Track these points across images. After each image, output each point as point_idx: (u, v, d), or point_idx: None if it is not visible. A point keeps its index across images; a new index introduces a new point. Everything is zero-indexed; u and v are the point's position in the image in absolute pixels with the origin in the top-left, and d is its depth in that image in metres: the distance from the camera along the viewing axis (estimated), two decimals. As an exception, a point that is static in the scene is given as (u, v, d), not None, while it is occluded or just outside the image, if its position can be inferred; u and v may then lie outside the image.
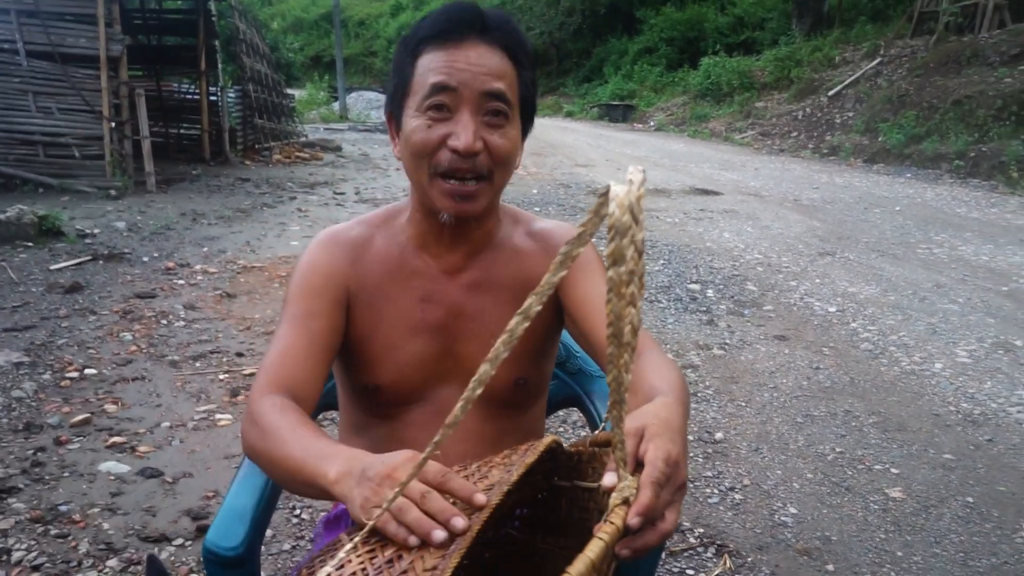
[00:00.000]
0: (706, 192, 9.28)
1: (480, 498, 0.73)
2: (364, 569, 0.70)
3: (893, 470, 2.78)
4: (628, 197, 0.54)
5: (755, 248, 6.28)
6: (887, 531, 2.40)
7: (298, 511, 2.43)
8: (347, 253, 1.13)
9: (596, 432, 0.89)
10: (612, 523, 0.65)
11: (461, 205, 1.03)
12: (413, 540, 0.69)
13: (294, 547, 2.25)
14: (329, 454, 0.83)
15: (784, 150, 14.86)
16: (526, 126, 1.10)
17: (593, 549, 0.61)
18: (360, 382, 1.15)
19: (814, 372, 3.68)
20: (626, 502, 0.67)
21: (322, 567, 0.72)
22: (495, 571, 0.97)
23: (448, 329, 1.13)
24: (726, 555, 2.25)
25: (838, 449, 2.92)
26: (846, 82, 15.36)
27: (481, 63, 1.00)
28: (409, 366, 1.12)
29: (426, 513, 0.70)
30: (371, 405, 1.16)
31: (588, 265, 1.14)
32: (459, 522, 0.70)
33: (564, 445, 0.87)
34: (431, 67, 1.00)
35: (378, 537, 0.74)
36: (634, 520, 0.65)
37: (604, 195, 0.57)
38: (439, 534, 0.69)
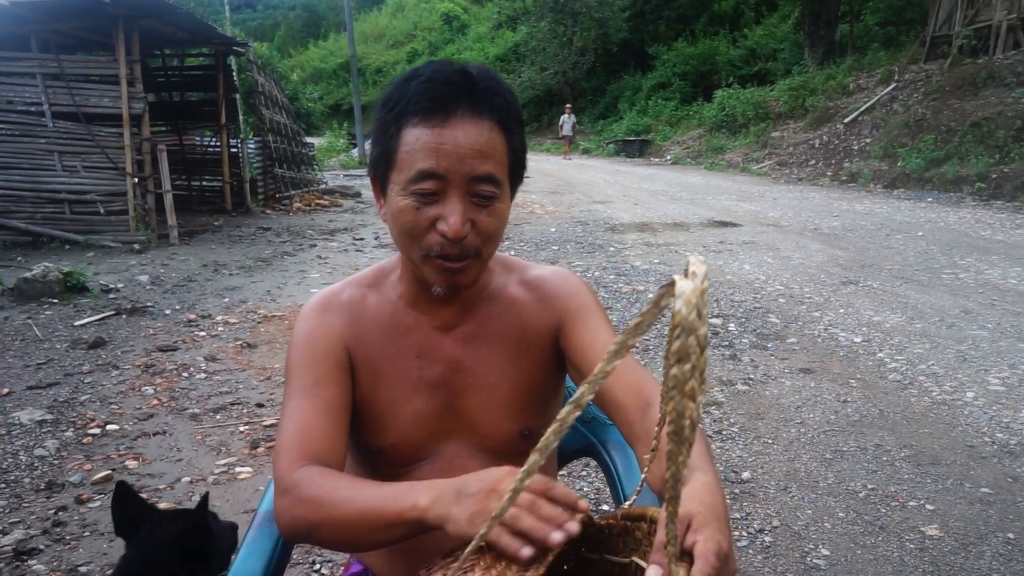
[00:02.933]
0: (725, 224, 9.24)
1: (584, 503, 0.77)
2: None
3: (928, 506, 2.69)
4: (694, 294, 0.53)
5: (776, 279, 6.21)
6: (925, 572, 2.31)
7: (318, 566, 2.39)
8: (342, 316, 1.12)
9: (627, 505, 0.87)
10: None
11: (452, 279, 1.03)
12: (526, 551, 0.71)
13: None
14: (408, 488, 0.85)
15: (802, 179, 14.81)
16: (515, 185, 1.08)
17: None
18: (364, 444, 1.13)
19: (842, 405, 3.60)
20: None
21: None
22: None
23: (447, 384, 1.12)
24: (757, 601, 2.18)
25: (870, 486, 2.84)
26: (862, 108, 15.33)
27: (469, 144, 0.96)
28: (411, 424, 1.11)
29: (540, 519, 0.73)
30: (377, 466, 1.14)
31: (585, 310, 1.13)
32: (573, 526, 0.73)
33: (594, 518, 0.86)
34: (417, 147, 0.97)
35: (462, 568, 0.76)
36: None
37: (667, 287, 0.55)
38: (558, 535, 0.72)
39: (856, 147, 14.68)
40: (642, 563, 0.80)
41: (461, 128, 0.97)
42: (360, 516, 0.87)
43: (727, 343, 4.58)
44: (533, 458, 0.60)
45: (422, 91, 0.97)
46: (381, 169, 1.04)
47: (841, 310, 5.25)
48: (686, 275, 0.54)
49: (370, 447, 1.12)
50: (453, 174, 0.97)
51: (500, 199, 1.02)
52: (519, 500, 0.73)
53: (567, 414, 0.58)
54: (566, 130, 24.41)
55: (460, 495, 0.79)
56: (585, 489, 2.87)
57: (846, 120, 15.46)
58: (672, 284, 0.54)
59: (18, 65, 8.25)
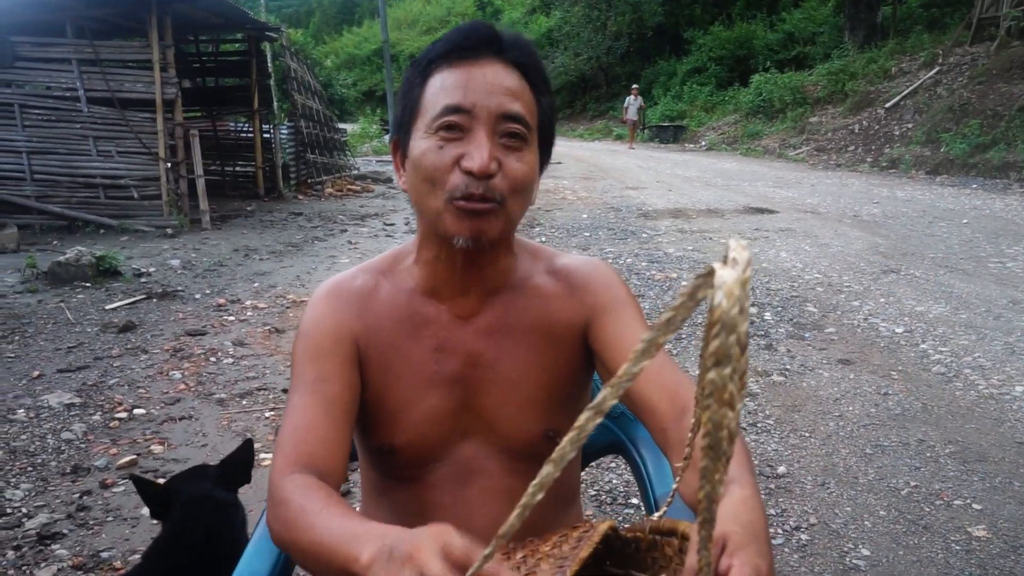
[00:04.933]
0: (761, 211, 9.06)
1: None
2: None
3: (975, 505, 2.57)
4: (736, 285, 0.44)
5: (814, 267, 6.05)
6: (971, 575, 2.20)
7: None
8: (352, 305, 1.04)
9: (656, 516, 0.79)
10: None
11: (476, 223, 0.92)
12: None
13: None
14: (360, 534, 0.74)
15: (841, 165, 14.49)
16: (544, 156, 1.01)
17: None
18: (375, 443, 1.06)
19: (882, 398, 3.48)
20: None
21: None
22: None
23: (466, 380, 1.03)
24: (794, 603, 2.09)
25: (913, 483, 2.73)
26: (904, 93, 14.95)
27: (497, 82, 0.92)
28: (426, 424, 1.02)
29: None
30: (389, 467, 1.07)
31: (617, 304, 1.04)
32: None
33: (620, 530, 0.78)
34: (443, 86, 0.92)
35: None
36: None
37: (704, 277, 0.46)
38: None
39: (897, 132, 14.31)
40: None
41: (490, 68, 0.93)
42: (315, 550, 0.79)
43: (763, 332, 4.46)
44: (546, 469, 0.51)
45: (448, 39, 0.95)
46: (405, 124, 0.98)
47: (882, 299, 5.09)
48: (725, 262, 0.45)
49: (382, 447, 1.05)
50: (480, 108, 0.91)
51: (529, 147, 0.95)
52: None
53: (586, 420, 0.49)
54: (631, 113, 21.40)
55: (389, 560, 0.67)
56: (614, 482, 2.79)
57: (887, 105, 15.08)
58: (711, 273, 0.45)
59: (54, 51, 8.33)
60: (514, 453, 1.04)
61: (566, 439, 0.50)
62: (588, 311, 1.05)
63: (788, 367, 3.89)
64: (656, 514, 0.79)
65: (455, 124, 0.91)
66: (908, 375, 3.75)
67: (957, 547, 2.34)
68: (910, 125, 14.13)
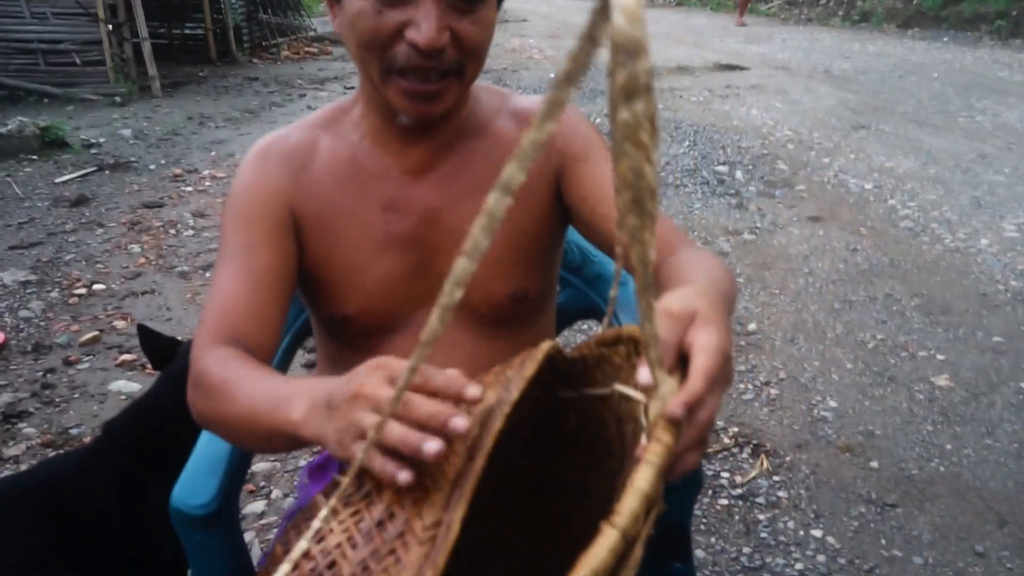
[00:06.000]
0: (731, 68, 8.82)
1: (472, 390, 0.57)
2: (350, 538, 0.55)
3: (939, 356, 2.62)
4: (636, 6, 0.37)
5: (785, 124, 5.95)
6: (934, 423, 2.26)
7: (294, 455, 2.32)
8: (286, 166, 0.93)
9: (601, 330, 0.73)
10: (660, 440, 0.48)
11: (423, 106, 0.83)
12: (404, 476, 0.54)
13: (286, 496, 2.08)
14: (287, 394, 0.67)
15: (812, 19, 14.10)
16: None
17: (644, 478, 0.46)
18: (326, 313, 0.98)
19: (851, 254, 3.49)
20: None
21: (298, 539, 0.58)
22: (502, 507, 0.83)
23: (421, 241, 0.94)
24: (763, 455, 2.14)
25: (879, 336, 2.77)
26: (880, -60, 14.36)
27: None
28: (378, 290, 0.94)
29: (413, 424, 0.54)
30: (344, 337, 0.99)
31: (590, 150, 0.95)
32: (459, 422, 0.54)
33: (564, 351, 0.72)
34: None
35: (363, 492, 0.59)
36: (678, 409, 0.49)
37: (600, 9, 0.39)
38: (432, 445, 0.53)
39: (872, -17, 13.87)
40: (625, 389, 0.67)
41: None
42: (240, 421, 0.72)
43: (733, 191, 4.41)
44: (461, 264, 0.45)
45: None
46: None
47: (852, 156, 5.04)
48: None
49: (332, 317, 0.97)
50: None
51: (486, 3, 0.81)
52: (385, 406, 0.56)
53: (495, 203, 0.43)
54: None
55: (328, 408, 0.61)
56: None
57: (863, -47, 14.52)
58: (606, 1, 0.39)
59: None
60: (479, 319, 0.97)
61: (476, 225, 0.44)
62: (559, 159, 0.95)
63: (758, 225, 3.88)
64: (600, 329, 0.74)
65: None
66: (876, 231, 3.76)
67: (920, 396, 2.40)
68: (885, -26, 13.68)
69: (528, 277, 0.98)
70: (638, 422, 0.62)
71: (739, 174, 4.74)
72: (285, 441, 0.69)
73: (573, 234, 1.10)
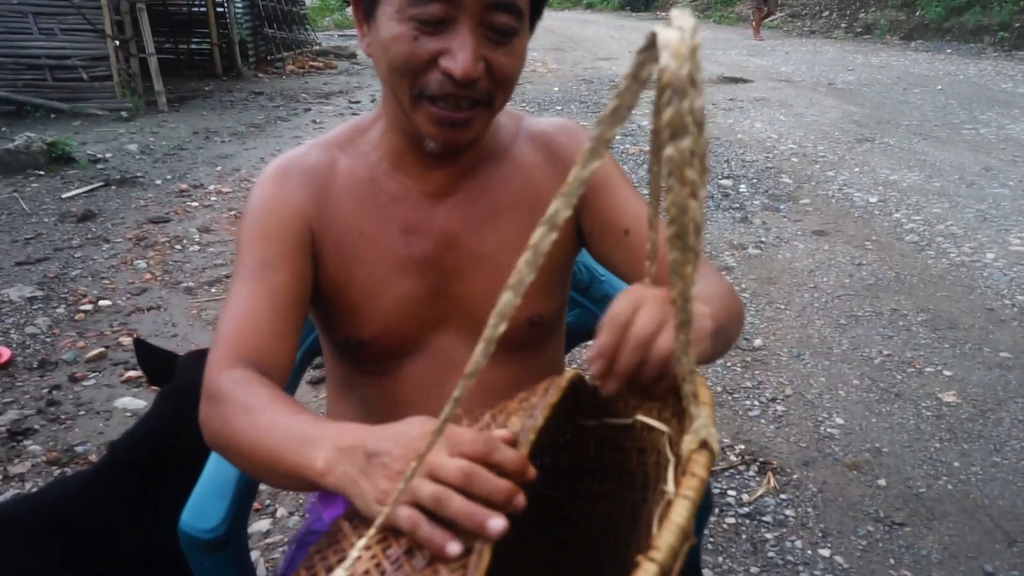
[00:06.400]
0: (735, 80, 8.85)
1: (532, 472, 0.57)
2: (379, 565, 0.54)
3: (946, 372, 2.61)
4: (684, 45, 0.37)
5: (789, 138, 5.96)
6: (942, 440, 2.25)
7: None
8: (305, 186, 0.91)
9: None
10: (695, 475, 0.49)
11: (451, 133, 0.83)
12: (453, 548, 0.51)
13: (291, 515, 2.07)
14: (313, 436, 0.65)
15: (815, 31, 14.14)
16: (535, 23, 0.88)
17: (681, 512, 0.47)
18: (341, 336, 0.96)
19: (856, 268, 3.48)
20: (704, 445, 0.51)
21: (323, 564, 0.58)
22: (523, 536, 0.83)
23: (440, 264, 0.93)
24: (770, 473, 2.13)
25: (885, 351, 2.76)
26: (883, -47, 14.41)
27: None
28: (396, 313, 0.93)
29: (478, 498, 0.53)
30: (357, 361, 0.98)
31: (607, 177, 0.95)
32: (520, 500, 0.54)
33: (587, 379, 0.72)
34: None
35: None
36: (597, 362, 0.58)
37: (648, 49, 0.39)
38: (498, 523, 0.51)
39: (874, -5, 13.91)
40: (648, 420, 0.67)
41: None
42: (259, 454, 0.70)
43: (738, 205, 4.41)
44: (506, 297, 0.46)
45: None
46: None
47: (856, 169, 5.05)
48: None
49: (348, 340, 0.96)
50: None
51: (520, 35, 0.82)
52: (445, 471, 0.54)
53: (540, 237, 0.44)
54: None
55: (369, 464, 0.58)
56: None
57: (865, -34, 14.56)
58: (653, 42, 0.39)
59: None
60: (496, 343, 0.97)
61: (522, 260, 0.45)
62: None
63: (763, 239, 3.87)
64: None
65: (435, 17, 0.77)
66: (882, 245, 3.76)
67: (928, 412, 2.39)
68: (888, -13, 13.72)
69: (544, 301, 0.98)
70: (661, 453, 0.62)
71: (743, 188, 4.75)
72: (305, 485, 0.67)
73: (581, 254, 1.10)
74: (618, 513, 0.73)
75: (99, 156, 6.02)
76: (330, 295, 0.94)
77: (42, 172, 5.51)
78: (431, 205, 0.93)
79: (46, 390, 2.61)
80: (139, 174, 5.50)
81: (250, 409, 0.73)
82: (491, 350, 0.47)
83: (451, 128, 0.82)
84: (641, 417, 0.69)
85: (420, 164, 0.91)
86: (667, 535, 0.45)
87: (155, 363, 1.49)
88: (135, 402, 2.53)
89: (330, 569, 0.54)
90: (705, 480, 0.49)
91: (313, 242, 0.91)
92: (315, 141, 0.97)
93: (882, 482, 2.08)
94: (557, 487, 0.82)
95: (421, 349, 0.96)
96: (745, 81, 8.76)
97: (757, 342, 2.86)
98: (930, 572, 1.80)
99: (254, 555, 1.89)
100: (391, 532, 0.56)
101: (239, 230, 0.92)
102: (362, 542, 0.56)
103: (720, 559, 1.85)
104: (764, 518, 1.97)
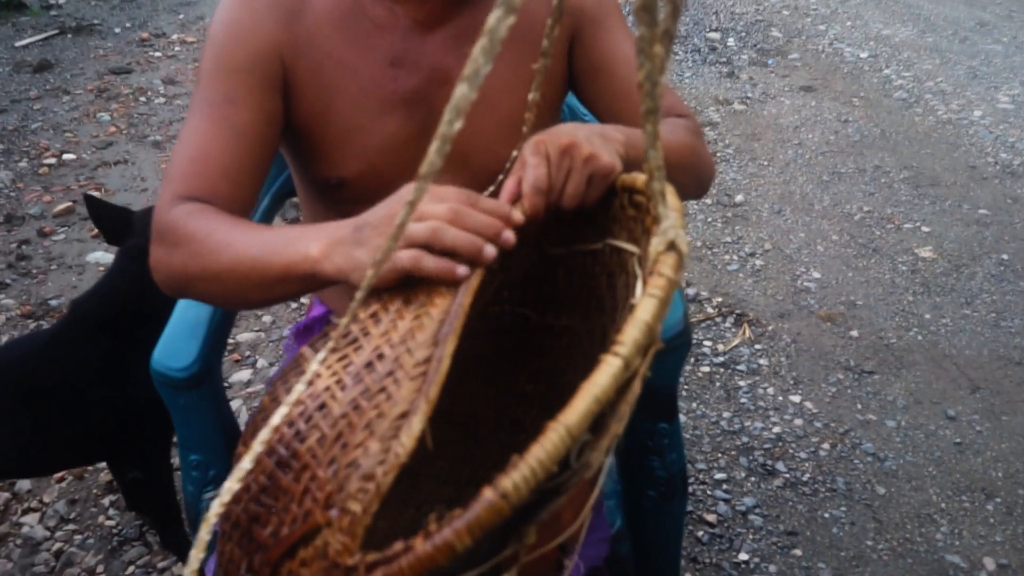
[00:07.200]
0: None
1: (517, 214, 0.62)
2: (339, 380, 0.53)
3: (924, 228, 2.62)
4: None
5: (780, -11, 5.72)
6: (915, 293, 2.28)
7: (278, 324, 2.31)
8: (275, 8, 0.80)
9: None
10: (662, 275, 0.47)
11: None
12: (462, 269, 0.56)
13: (272, 365, 2.06)
14: (299, 235, 0.64)
15: None
16: None
17: (647, 309, 0.44)
18: (319, 175, 0.89)
19: (842, 125, 3.42)
20: (672, 247, 0.49)
21: (284, 387, 0.57)
22: (492, 359, 0.82)
23: (429, 100, 0.84)
24: (746, 324, 2.16)
25: (866, 208, 2.75)
26: None
27: None
28: (381, 152, 0.85)
29: (467, 230, 0.58)
30: (336, 201, 0.91)
31: (606, 16, 0.88)
32: (509, 235, 0.59)
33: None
34: None
35: (349, 339, 0.57)
36: (529, 198, 0.63)
37: None
38: (491, 249, 0.57)
39: None
40: (619, 243, 0.65)
41: None
42: (243, 268, 0.66)
43: (725, 59, 4.27)
44: (461, 90, 0.42)
45: None
46: None
47: (848, 23, 4.87)
48: None
49: (328, 180, 0.88)
50: None
51: None
52: (436, 213, 0.58)
53: (498, 22, 0.40)
54: None
55: (360, 235, 0.60)
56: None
57: None
58: None
59: None
60: (477, 184, 0.91)
61: (477, 47, 0.41)
62: (574, 19, 0.88)
63: (749, 95, 3.78)
64: None
65: None
66: (869, 101, 3.68)
67: (903, 267, 2.41)
68: None
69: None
70: (631, 274, 0.60)
71: (731, 41, 4.58)
72: (298, 285, 0.66)
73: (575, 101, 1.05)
74: (588, 340, 0.72)
75: (52, 2, 5.66)
76: (305, 130, 0.86)
77: (-8, 19, 5.20)
78: (422, 35, 0.84)
79: (15, 244, 2.56)
80: (96, 21, 5.20)
81: (213, 232, 0.69)
82: (446, 149, 0.43)
83: None
84: (611, 241, 0.66)
85: None
86: (632, 331, 0.43)
87: (110, 220, 1.41)
88: (107, 256, 2.49)
89: (290, 391, 0.52)
90: (674, 281, 0.46)
91: (284, 74, 0.82)
92: None
93: (854, 333, 2.12)
94: (527, 319, 0.80)
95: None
96: (737, -72, 8.32)
97: (739, 198, 2.84)
98: (895, 415, 1.86)
99: (236, 404, 1.92)
100: (351, 348, 0.55)
101: (201, 59, 0.83)
102: (322, 354, 0.55)
103: (694, 404, 1.90)
104: (738, 367, 2.02)
